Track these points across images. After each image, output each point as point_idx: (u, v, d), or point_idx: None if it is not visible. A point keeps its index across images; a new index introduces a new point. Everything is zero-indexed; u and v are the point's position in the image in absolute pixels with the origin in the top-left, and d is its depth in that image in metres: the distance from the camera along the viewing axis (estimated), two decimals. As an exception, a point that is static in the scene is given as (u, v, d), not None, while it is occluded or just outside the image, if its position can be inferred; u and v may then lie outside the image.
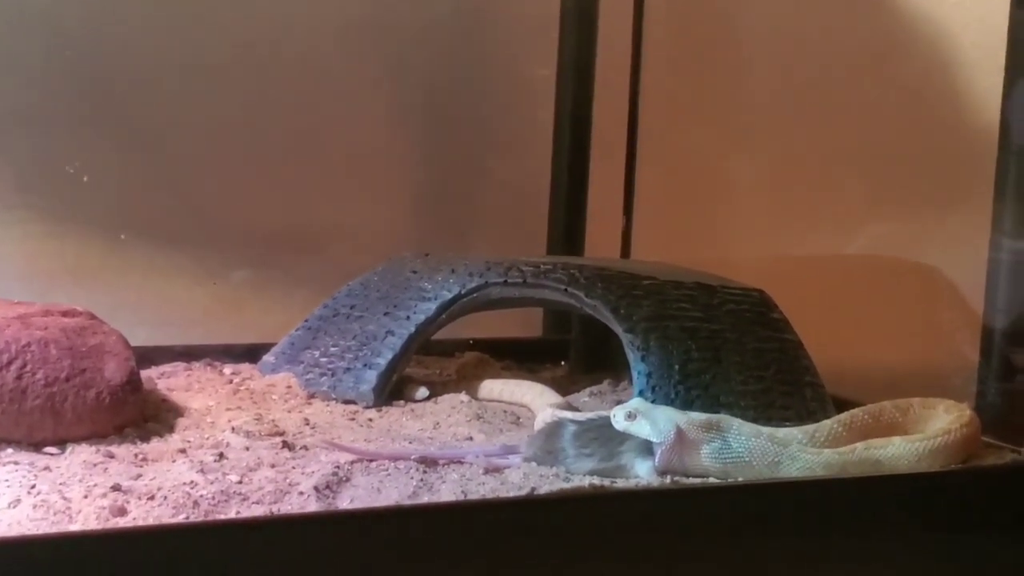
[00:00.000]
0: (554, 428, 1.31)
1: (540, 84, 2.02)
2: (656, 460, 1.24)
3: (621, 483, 1.24)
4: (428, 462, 1.25)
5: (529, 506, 1.15)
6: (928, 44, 1.82)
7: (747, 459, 1.25)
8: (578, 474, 1.25)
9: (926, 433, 1.32)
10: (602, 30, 2.00)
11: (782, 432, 1.30)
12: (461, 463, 1.26)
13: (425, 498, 1.17)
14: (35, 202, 1.76)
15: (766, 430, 1.29)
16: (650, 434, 1.24)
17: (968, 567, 1.27)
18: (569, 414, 1.38)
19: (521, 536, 1.10)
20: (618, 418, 1.26)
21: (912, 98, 1.82)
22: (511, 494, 1.19)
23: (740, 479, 1.25)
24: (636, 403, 1.28)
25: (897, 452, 1.28)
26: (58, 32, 1.75)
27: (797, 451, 1.27)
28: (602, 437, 1.27)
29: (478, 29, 2.03)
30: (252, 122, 1.87)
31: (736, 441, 1.26)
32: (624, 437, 1.26)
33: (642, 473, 1.25)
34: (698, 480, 1.25)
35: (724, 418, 1.29)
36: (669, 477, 1.25)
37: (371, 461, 1.25)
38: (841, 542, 1.21)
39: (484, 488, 1.20)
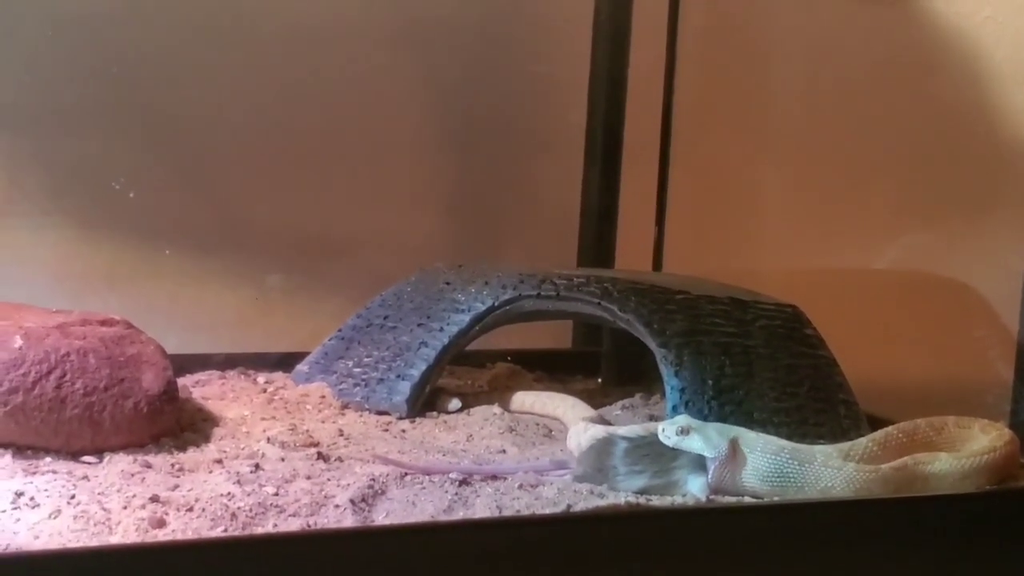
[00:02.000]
0: (605, 445, 1.28)
1: (572, 92, 2.02)
2: (709, 476, 1.24)
3: (657, 500, 1.23)
4: (484, 478, 1.25)
5: (567, 523, 1.15)
6: (961, 58, 1.81)
7: (799, 483, 1.24)
8: (628, 492, 1.23)
9: (971, 450, 1.31)
10: (635, 38, 2.00)
11: (818, 450, 1.29)
12: (496, 478, 1.26)
13: (460, 513, 1.17)
14: (69, 207, 1.77)
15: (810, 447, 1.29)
16: (703, 448, 1.24)
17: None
18: (622, 430, 1.33)
19: (557, 552, 1.10)
20: (668, 433, 1.25)
21: (945, 112, 1.82)
22: (547, 510, 1.19)
23: (790, 496, 1.24)
24: (684, 419, 1.27)
25: (944, 468, 1.28)
26: (93, 39, 1.76)
27: (854, 472, 1.25)
28: (653, 454, 1.25)
29: (510, 37, 2.03)
30: (285, 129, 1.88)
31: (793, 458, 1.25)
32: (676, 453, 1.25)
33: (695, 489, 1.24)
34: (752, 499, 1.25)
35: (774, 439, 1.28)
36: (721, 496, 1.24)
37: (406, 474, 1.25)
38: (880, 562, 1.20)
39: (519, 503, 1.20)
